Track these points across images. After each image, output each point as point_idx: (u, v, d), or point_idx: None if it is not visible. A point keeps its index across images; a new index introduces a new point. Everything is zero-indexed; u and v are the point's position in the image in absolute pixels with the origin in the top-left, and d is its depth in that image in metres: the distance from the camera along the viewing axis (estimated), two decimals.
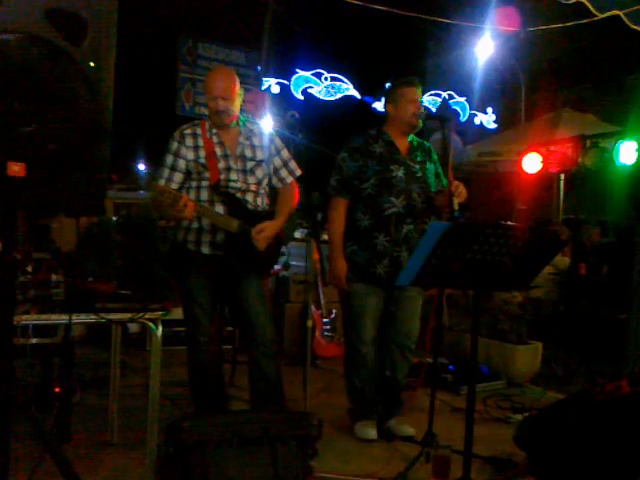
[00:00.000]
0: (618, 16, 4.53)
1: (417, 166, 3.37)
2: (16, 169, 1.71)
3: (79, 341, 4.53)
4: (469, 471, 2.38)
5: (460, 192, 3.16)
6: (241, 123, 3.09)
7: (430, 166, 3.43)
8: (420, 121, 3.33)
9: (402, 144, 3.40)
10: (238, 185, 3.01)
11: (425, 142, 3.49)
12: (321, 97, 13.06)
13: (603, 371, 4.62)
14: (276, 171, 3.19)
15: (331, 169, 3.46)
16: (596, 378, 4.48)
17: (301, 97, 12.54)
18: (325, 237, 3.67)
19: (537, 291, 5.80)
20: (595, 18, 4.74)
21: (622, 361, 4.42)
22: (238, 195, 3.01)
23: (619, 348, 4.49)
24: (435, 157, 3.48)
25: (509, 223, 2.36)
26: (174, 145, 3.01)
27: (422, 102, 3.40)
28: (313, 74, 12.84)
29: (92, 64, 1.78)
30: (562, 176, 7.67)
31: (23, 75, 1.70)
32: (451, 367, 4.61)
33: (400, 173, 3.31)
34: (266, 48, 9.79)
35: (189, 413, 3.26)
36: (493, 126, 15.68)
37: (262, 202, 3.12)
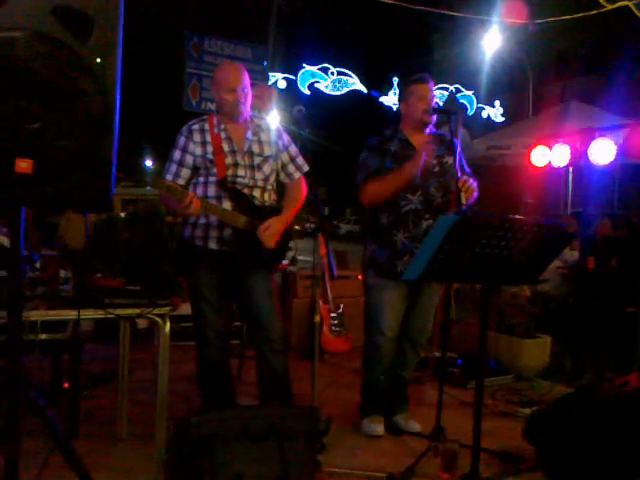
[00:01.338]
0: (627, 7, 4.49)
1: (434, 161, 3.34)
2: (23, 166, 1.71)
3: (88, 337, 4.55)
4: (477, 465, 2.37)
5: (468, 187, 3.14)
6: (249, 119, 3.08)
7: (450, 159, 3.38)
8: (431, 117, 3.31)
9: (417, 140, 3.37)
10: (245, 181, 3.00)
11: (446, 135, 3.44)
12: (328, 92, 13.03)
13: (612, 365, 4.60)
14: (284, 167, 3.18)
15: (338, 165, 3.45)
16: (605, 372, 4.47)
17: (308, 92, 12.53)
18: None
19: (545, 285, 5.78)
20: (604, 9, 4.70)
21: (631, 355, 4.40)
22: (245, 191, 3.00)
23: (628, 342, 4.47)
24: (457, 147, 3.42)
25: (517, 217, 2.35)
26: (182, 140, 3.01)
27: (434, 98, 3.37)
28: (319, 69, 12.81)
29: (98, 61, 1.78)
30: (570, 169, 7.64)
31: (29, 72, 1.70)
32: (459, 361, 4.60)
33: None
34: (272, 43, 9.77)
35: (197, 408, 3.27)
36: (501, 119, 15.61)
37: (269, 198, 3.11)
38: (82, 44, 1.76)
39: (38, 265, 2.81)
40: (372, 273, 3.39)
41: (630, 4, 4.42)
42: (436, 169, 3.34)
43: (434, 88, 3.40)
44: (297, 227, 5.28)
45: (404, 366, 3.49)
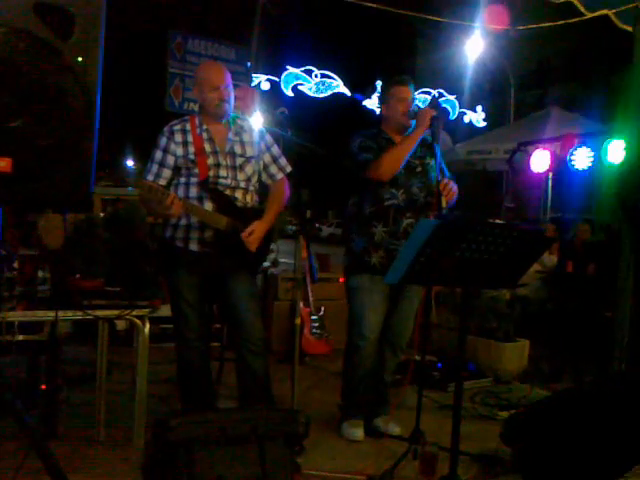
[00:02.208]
0: (607, 15, 4.55)
1: (416, 161, 3.36)
2: (2, 165, 1.69)
3: (65, 338, 4.50)
4: (456, 468, 2.39)
5: (449, 190, 3.17)
6: (231, 119, 3.08)
7: (432, 161, 3.41)
8: (411, 120, 3.32)
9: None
10: (227, 182, 2.99)
11: (428, 137, 3.42)
12: (311, 94, 13.05)
13: (590, 368, 4.65)
14: (266, 167, 3.18)
15: (321, 167, 3.44)
16: (583, 375, 4.52)
17: (291, 94, 12.54)
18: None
19: (524, 289, 5.84)
20: (584, 17, 4.77)
21: (608, 359, 4.45)
22: (227, 192, 2.99)
23: (606, 346, 4.53)
24: (437, 151, 3.44)
25: (497, 221, 2.37)
26: (163, 141, 2.99)
27: (414, 101, 3.40)
28: (303, 71, 12.83)
29: (80, 59, 1.77)
30: (550, 175, 7.73)
31: (10, 69, 1.68)
32: (439, 365, 4.62)
33: None
34: (256, 44, 9.76)
35: (176, 411, 3.25)
36: (482, 124, 15.76)
37: (251, 199, 3.11)
38: (63, 42, 1.74)
39: (16, 265, 2.77)
40: (347, 264, 3.42)
41: (610, 13, 4.48)
42: (418, 169, 3.36)
43: (415, 91, 3.42)
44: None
45: (384, 369, 3.50)
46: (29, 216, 4.05)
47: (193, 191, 2.96)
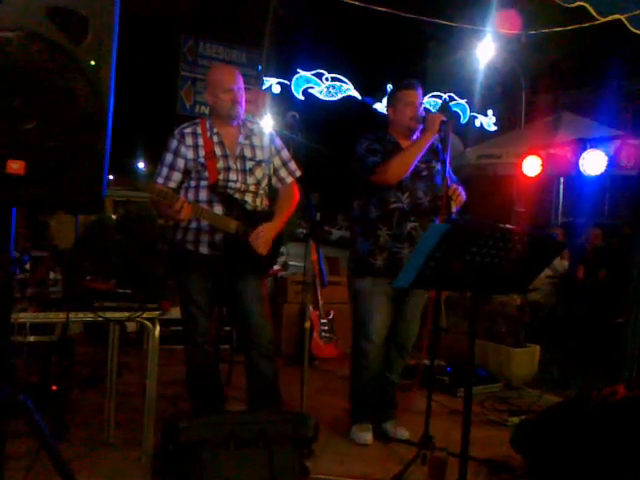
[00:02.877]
0: (619, 20, 4.52)
1: (422, 165, 3.36)
2: (15, 167, 1.70)
3: (77, 339, 4.52)
4: (465, 474, 2.37)
5: (457, 196, 3.16)
6: (241, 122, 3.09)
7: (438, 165, 3.40)
8: (418, 124, 3.31)
9: (406, 145, 3.38)
10: (237, 185, 3.00)
11: (436, 143, 3.40)
12: (322, 97, 13.05)
13: (601, 374, 4.61)
14: (276, 171, 3.18)
15: (331, 170, 3.45)
16: (593, 382, 4.48)
17: (302, 97, 12.54)
18: None
19: (535, 294, 5.80)
20: (596, 22, 4.74)
21: (619, 365, 4.42)
22: (237, 195, 3.00)
23: (617, 352, 4.49)
24: (447, 158, 3.43)
25: (508, 226, 2.36)
26: (174, 144, 3.00)
27: (422, 104, 3.39)
28: (314, 74, 12.83)
29: (92, 63, 1.78)
30: (561, 179, 7.70)
31: (23, 73, 1.69)
32: (449, 369, 4.60)
33: None
34: (267, 48, 9.79)
35: (186, 413, 3.26)
36: (493, 128, 15.69)
37: (261, 202, 3.11)
38: (77, 45, 1.75)
39: (28, 267, 2.79)
40: (352, 266, 3.43)
41: (622, 17, 4.46)
42: (424, 173, 3.36)
43: (423, 95, 3.42)
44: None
45: (391, 371, 3.50)
46: (41, 217, 4.08)
47: (203, 194, 2.97)
